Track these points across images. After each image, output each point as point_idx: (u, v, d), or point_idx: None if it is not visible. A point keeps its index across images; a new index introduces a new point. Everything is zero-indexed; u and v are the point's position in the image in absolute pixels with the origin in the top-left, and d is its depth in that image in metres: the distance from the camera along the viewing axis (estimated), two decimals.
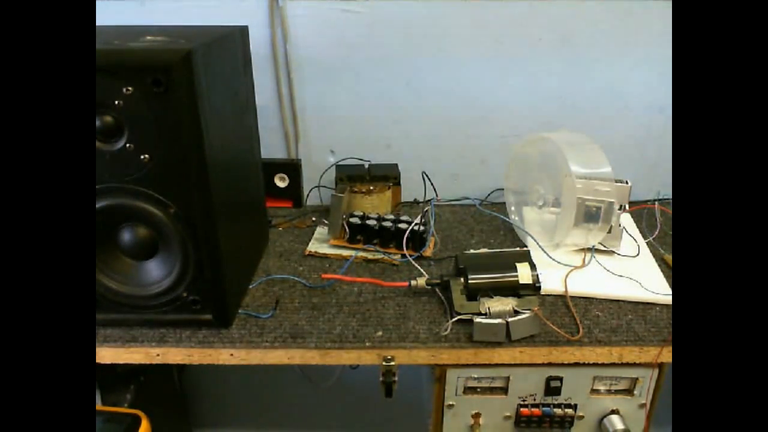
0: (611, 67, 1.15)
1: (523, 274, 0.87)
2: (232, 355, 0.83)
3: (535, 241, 1.00)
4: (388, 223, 1.02)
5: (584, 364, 0.84)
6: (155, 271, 0.81)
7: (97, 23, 0.78)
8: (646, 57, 1.14)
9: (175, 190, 0.75)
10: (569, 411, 0.88)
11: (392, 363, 0.82)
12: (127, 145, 0.72)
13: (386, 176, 1.14)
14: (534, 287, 0.86)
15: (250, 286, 0.95)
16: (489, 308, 0.83)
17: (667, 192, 1.24)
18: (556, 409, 0.88)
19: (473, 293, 0.86)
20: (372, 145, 1.21)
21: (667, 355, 0.83)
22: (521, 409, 0.88)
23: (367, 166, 1.17)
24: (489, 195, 1.25)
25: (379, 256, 1.02)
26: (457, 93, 1.17)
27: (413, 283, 0.90)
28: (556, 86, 1.17)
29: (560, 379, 0.85)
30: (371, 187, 1.12)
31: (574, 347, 0.83)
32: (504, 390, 0.87)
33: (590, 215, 0.94)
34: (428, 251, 1.03)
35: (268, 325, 0.86)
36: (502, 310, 0.83)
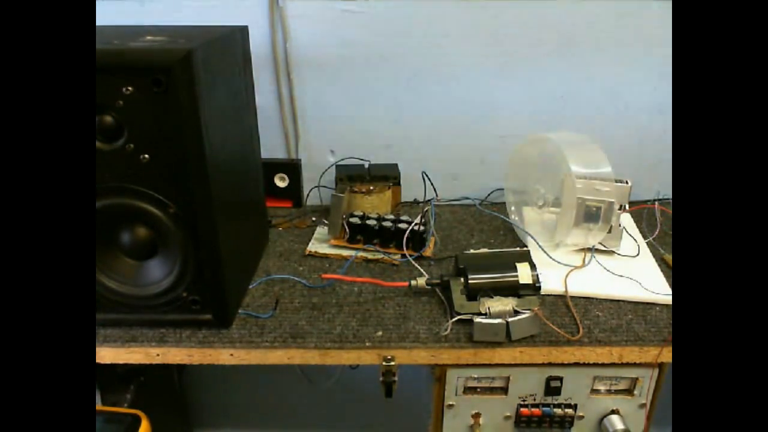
0: (611, 68, 1.15)
1: (523, 274, 0.87)
2: (232, 355, 0.83)
3: (535, 241, 0.99)
4: (388, 223, 1.02)
5: (584, 364, 0.84)
6: (155, 271, 0.81)
7: (97, 23, 0.78)
8: (646, 57, 1.14)
9: (175, 190, 0.75)
10: (569, 411, 0.88)
11: (392, 363, 0.82)
12: (127, 145, 0.72)
13: (386, 176, 1.14)
14: (534, 287, 0.86)
15: (250, 286, 0.95)
16: (489, 308, 0.83)
17: (667, 192, 1.24)
18: (556, 409, 0.88)
19: (473, 293, 0.86)
20: (372, 145, 1.21)
21: (667, 355, 0.83)
22: (521, 409, 0.88)
23: (367, 166, 1.17)
24: (489, 195, 1.25)
25: (379, 256, 1.02)
26: (457, 93, 1.17)
27: (413, 283, 0.90)
28: (556, 86, 1.17)
29: (560, 379, 0.85)
30: (371, 187, 1.12)
31: (574, 347, 0.83)
32: (504, 390, 0.87)
33: (590, 215, 0.94)
34: (428, 251, 1.03)
35: (268, 325, 0.86)
36: (502, 310, 0.83)
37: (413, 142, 1.22)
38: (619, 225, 0.99)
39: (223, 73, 0.82)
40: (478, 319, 0.82)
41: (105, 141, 0.73)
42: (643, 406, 0.88)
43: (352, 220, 1.03)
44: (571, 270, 0.96)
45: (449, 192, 1.24)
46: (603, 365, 0.84)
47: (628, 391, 0.88)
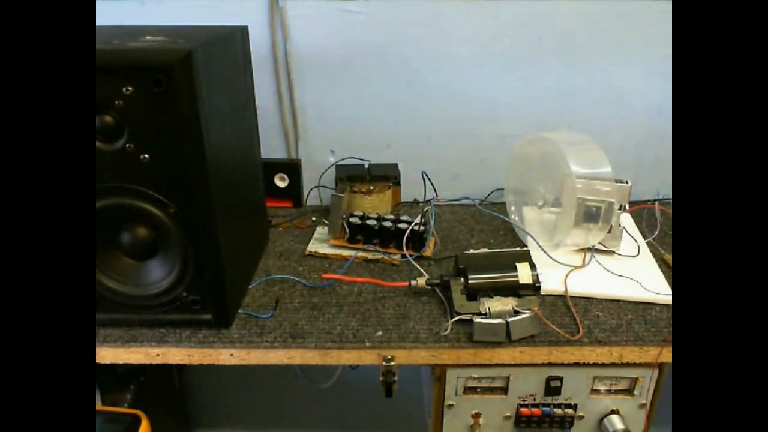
0: (611, 67, 1.15)
1: (523, 274, 0.87)
2: (232, 355, 0.83)
3: (535, 241, 0.99)
4: (388, 223, 1.02)
5: (584, 364, 0.84)
6: (155, 271, 0.81)
7: (97, 23, 0.77)
8: (646, 57, 1.14)
9: (175, 190, 0.75)
10: (569, 411, 0.88)
11: (392, 363, 0.82)
12: (127, 145, 0.72)
13: (386, 176, 1.14)
14: (534, 287, 0.86)
15: (250, 286, 0.95)
16: (489, 308, 0.83)
17: (667, 192, 1.24)
18: (556, 409, 0.88)
19: (473, 293, 0.86)
20: (372, 145, 1.21)
21: (667, 355, 0.83)
22: (521, 409, 0.88)
23: (367, 166, 1.17)
24: (489, 195, 1.25)
25: (379, 256, 1.02)
26: (457, 93, 1.17)
27: (413, 283, 0.90)
28: (556, 86, 1.17)
29: (560, 379, 0.85)
30: (371, 187, 1.12)
31: (574, 347, 0.83)
32: (504, 390, 0.87)
33: (590, 215, 0.94)
34: (428, 251, 1.03)
35: (268, 325, 0.86)
36: (502, 310, 0.83)
37: (413, 142, 1.22)
38: (619, 225, 0.99)
39: (223, 73, 0.82)
40: (478, 319, 0.82)
41: (105, 141, 0.72)
42: (643, 406, 0.88)
43: (352, 220, 1.03)
44: (571, 270, 0.96)
45: (449, 192, 1.24)
46: (603, 365, 0.84)
47: (628, 391, 0.88)
